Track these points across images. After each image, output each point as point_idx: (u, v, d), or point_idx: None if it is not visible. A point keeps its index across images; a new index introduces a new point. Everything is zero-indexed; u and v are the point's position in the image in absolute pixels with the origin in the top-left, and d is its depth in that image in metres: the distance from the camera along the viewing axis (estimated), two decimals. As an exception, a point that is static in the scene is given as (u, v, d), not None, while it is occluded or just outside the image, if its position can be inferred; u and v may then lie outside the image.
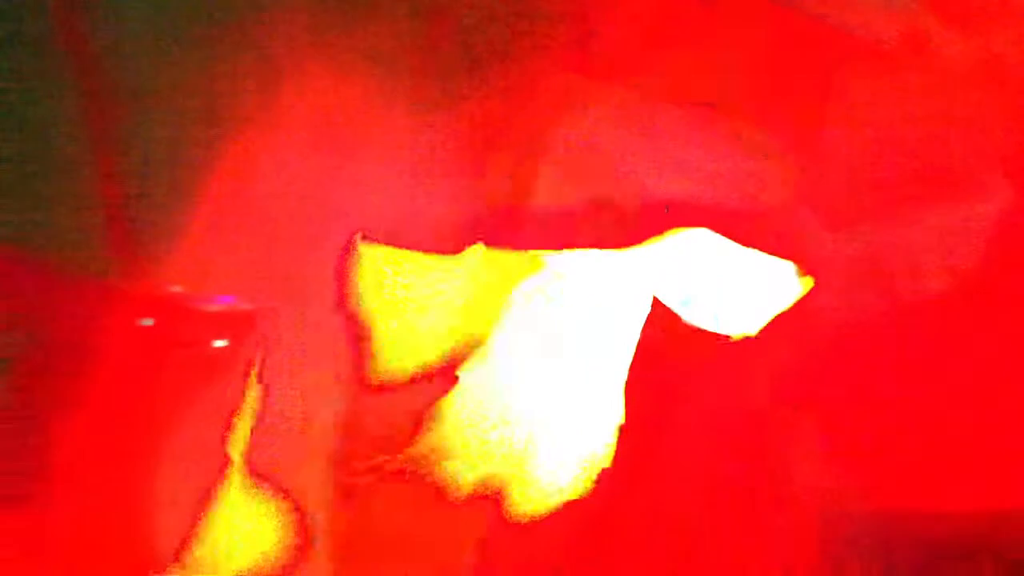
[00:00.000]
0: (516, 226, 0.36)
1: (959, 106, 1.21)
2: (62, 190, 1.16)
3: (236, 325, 0.45)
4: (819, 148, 1.29)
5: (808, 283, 0.32)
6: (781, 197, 1.41)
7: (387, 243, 0.49)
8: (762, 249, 0.33)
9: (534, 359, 0.41)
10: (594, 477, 0.56)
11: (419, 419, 0.46)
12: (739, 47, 1.37)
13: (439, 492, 0.44)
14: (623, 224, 0.50)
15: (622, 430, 0.61)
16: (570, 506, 0.54)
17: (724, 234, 0.57)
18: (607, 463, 0.58)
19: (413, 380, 0.43)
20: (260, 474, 0.43)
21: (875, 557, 0.82)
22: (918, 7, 1.23)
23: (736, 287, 0.54)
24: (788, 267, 0.31)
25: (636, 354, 0.46)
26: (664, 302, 0.53)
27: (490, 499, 0.46)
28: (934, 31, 1.21)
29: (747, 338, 0.65)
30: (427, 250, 0.49)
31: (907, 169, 1.23)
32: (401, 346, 0.43)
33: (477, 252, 0.35)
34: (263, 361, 0.43)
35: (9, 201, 1.14)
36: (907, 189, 1.25)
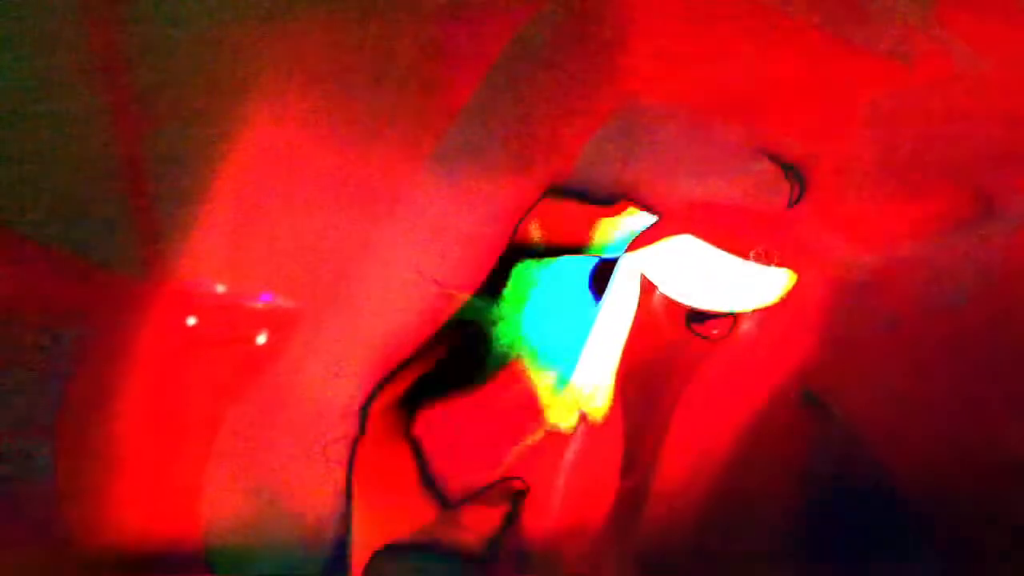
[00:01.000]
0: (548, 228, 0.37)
1: (974, 121, 1.22)
2: (92, 187, 1.16)
3: (277, 323, 0.46)
4: (836, 160, 1.30)
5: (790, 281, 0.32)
6: (799, 209, 1.41)
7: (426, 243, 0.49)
8: (781, 259, 0.33)
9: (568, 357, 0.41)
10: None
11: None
12: (750, 58, 1.38)
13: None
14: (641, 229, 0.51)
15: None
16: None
17: (741, 243, 0.57)
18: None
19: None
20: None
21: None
22: (934, 27, 1.24)
23: (722, 288, 0.54)
24: (780, 274, 0.31)
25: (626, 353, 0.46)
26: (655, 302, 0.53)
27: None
28: (952, 47, 1.21)
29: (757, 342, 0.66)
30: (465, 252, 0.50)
31: (926, 183, 1.24)
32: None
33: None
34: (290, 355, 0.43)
35: (38, 198, 1.14)
36: (925, 203, 1.26)
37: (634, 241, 0.44)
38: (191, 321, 0.43)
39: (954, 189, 1.23)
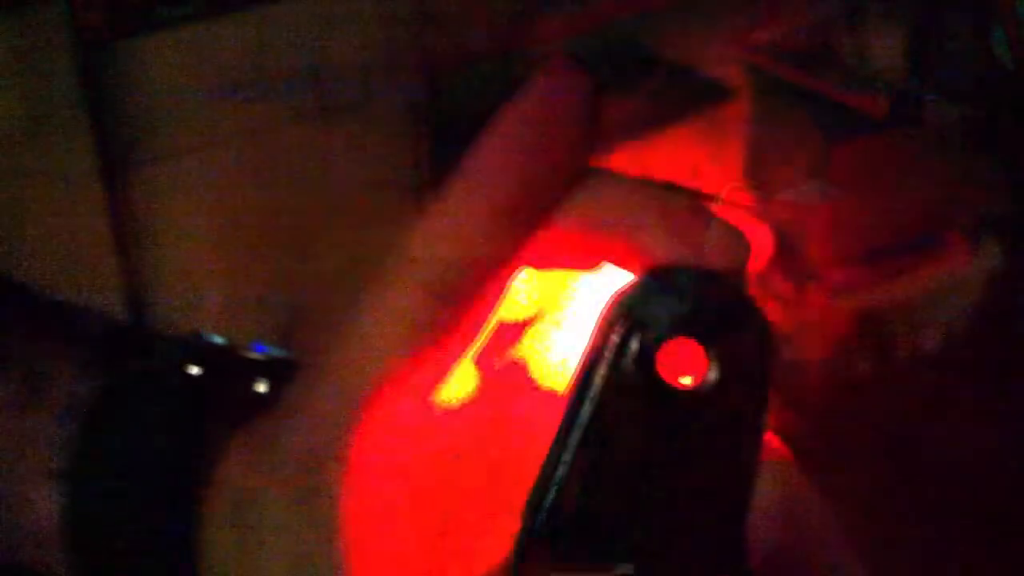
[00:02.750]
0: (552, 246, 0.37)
1: (950, 168, 1.25)
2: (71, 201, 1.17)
3: (275, 372, 0.47)
4: (815, 207, 1.33)
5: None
6: (776, 255, 1.44)
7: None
8: (758, 304, 0.34)
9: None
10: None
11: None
12: (736, 113, 1.42)
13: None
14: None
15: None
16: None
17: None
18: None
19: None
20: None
21: None
22: (909, 74, 1.28)
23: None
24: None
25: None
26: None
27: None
28: (925, 96, 1.25)
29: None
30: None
31: (902, 228, 1.26)
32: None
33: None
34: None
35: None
36: (903, 248, 1.28)
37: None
38: (194, 371, 0.45)
39: (937, 240, 1.25)
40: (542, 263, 0.36)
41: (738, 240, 0.34)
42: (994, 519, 1.07)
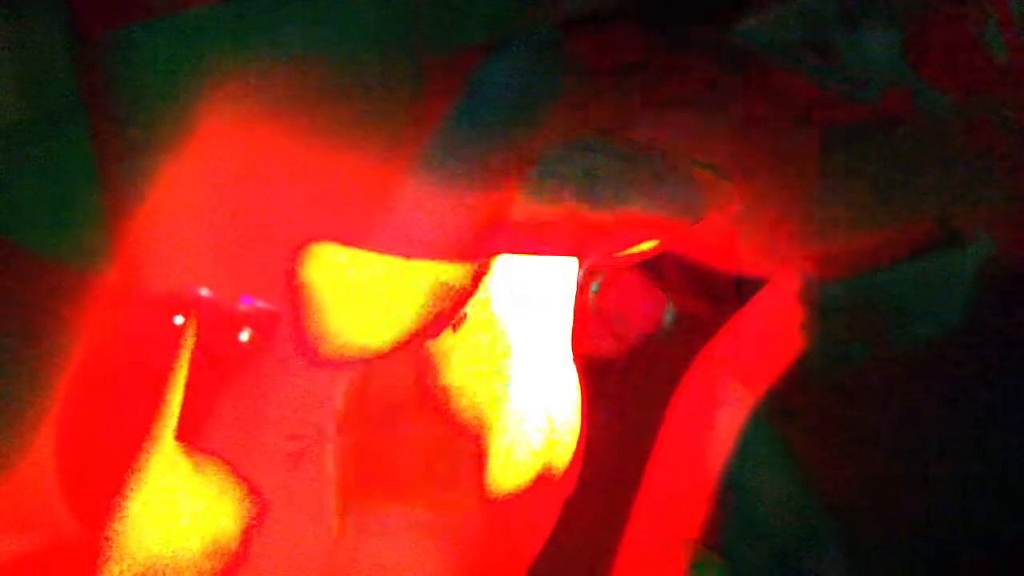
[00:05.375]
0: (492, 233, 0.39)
1: (942, 161, 1.26)
2: (64, 187, 1.18)
3: (259, 325, 0.48)
4: (806, 198, 1.34)
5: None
6: (768, 243, 1.45)
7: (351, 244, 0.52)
8: (748, 292, 0.35)
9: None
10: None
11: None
12: (727, 106, 1.42)
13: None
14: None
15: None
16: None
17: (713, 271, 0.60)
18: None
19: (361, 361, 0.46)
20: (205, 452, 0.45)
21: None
22: (901, 67, 1.29)
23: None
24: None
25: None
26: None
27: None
28: (916, 90, 1.26)
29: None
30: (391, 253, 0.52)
31: (890, 218, 1.27)
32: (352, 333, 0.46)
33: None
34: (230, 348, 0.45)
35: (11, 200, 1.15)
36: (893, 237, 1.29)
37: (576, 247, 0.47)
38: (177, 321, 0.46)
39: (927, 230, 1.26)
40: (514, 250, 0.37)
41: (696, 195, 0.35)
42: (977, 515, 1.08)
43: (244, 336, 0.43)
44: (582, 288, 0.53)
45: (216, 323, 0.44)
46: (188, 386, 0.43)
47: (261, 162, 1.38)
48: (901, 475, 0.98)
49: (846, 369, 1.17)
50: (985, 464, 0.99)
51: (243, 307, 0.45)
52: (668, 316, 0.59)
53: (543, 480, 0.66)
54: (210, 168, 1.37)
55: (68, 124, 1.24)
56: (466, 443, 0.50)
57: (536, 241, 0.38)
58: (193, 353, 0.44)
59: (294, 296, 0.48)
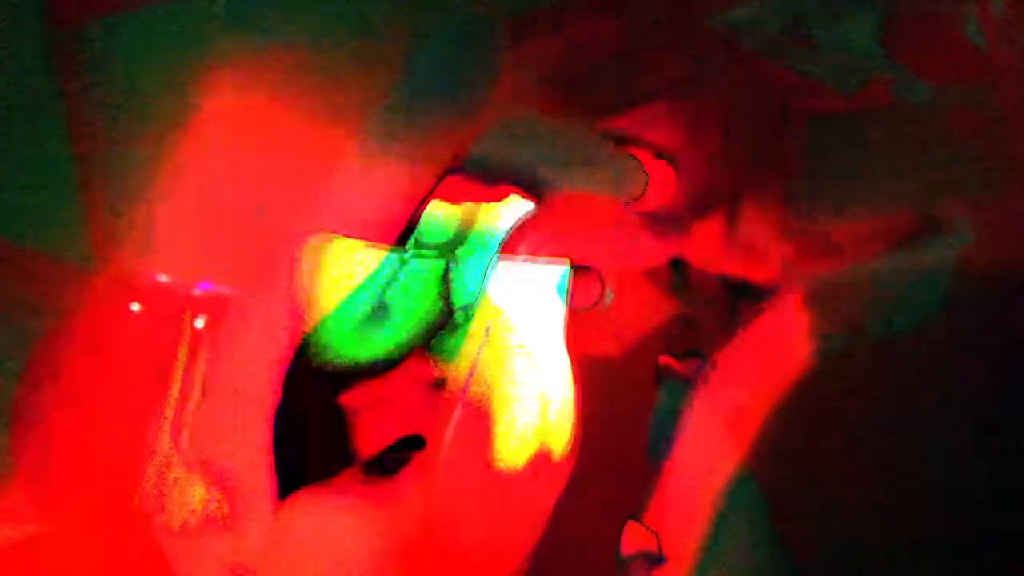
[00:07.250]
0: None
1: (921, 148, 1.26)
2: (37, 177, 1.18)
3: (215, 310, 0.48)
4: (786, 187, 1.33)
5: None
6: (751, 231, 1.44)
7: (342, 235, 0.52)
8: (734, 280, 0.35)
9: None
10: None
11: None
12: (707, 96, 1.41)
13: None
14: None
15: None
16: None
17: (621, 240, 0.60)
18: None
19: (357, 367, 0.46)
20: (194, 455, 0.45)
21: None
22: (881, 56, 1.28)
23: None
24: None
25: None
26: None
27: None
28: (897, 79, 1.25)
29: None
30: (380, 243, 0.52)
31: (870, 208, 1.27)
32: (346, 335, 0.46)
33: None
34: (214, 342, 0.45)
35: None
36: (873, 227, 1.29)
37: (514, 230, 0.47)
38: (135, 307, 0.46)
39: (909, 220, 1.26)
40: (454, 197, 0.38)
41: (637, 172, 0.35)
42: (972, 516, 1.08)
43: (199, 322, 0.43)
44: (580, 288, 0.53)
45: (172, 308, 0.44)
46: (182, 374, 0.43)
47: (241, 151, 1.38)
48: (894, 473, 0.98)
49: (827, 361, 1.16)
50: (984, 464, 0.99)
51: (198, 292, 0.45)
52: (607, 297, 0.59)
53: (541, 464, 0.66)
54: (189, 157, 1.37)
55: (44, 115, 1.24)
56: (461, 431, 0.50)
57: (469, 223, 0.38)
58: (150, 336, 0.43)
59: (285, 284, 0.48)
